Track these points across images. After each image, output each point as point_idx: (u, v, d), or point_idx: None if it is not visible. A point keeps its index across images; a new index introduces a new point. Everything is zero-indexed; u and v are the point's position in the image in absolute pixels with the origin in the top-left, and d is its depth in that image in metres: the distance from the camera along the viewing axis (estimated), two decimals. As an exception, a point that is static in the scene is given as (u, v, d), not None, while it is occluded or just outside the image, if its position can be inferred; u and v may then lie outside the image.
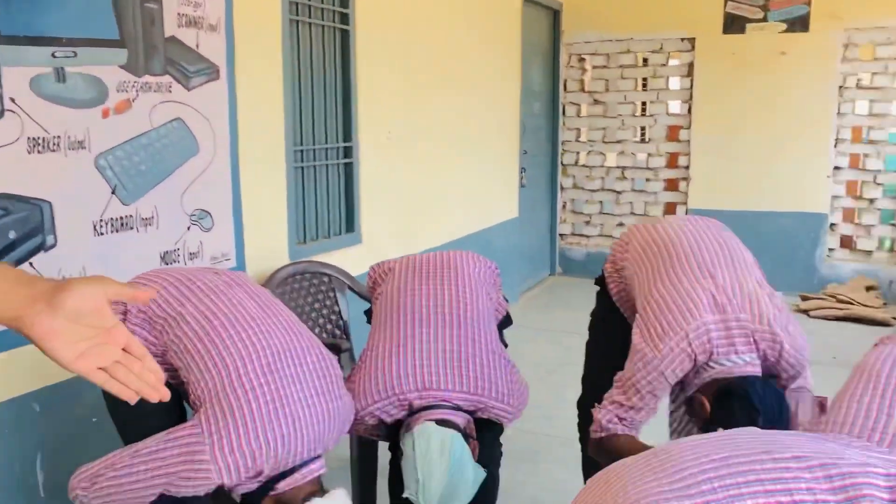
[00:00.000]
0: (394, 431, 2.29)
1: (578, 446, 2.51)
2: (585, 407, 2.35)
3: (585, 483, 1.61)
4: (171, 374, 1.94)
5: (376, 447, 2.73)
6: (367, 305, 2.92)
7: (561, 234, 7.15)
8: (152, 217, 2.66)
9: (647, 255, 2.16)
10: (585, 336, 2.54)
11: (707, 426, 1.89)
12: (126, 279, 2.02)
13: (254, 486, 1.86)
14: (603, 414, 2.00)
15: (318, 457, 1.93)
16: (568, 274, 7.04)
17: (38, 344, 0.93)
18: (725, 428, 1.64)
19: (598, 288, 2.50)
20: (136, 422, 1.93)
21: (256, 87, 3.14)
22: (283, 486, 1.85)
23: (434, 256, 2.54)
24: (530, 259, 6.57)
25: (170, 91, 2.70)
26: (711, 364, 1.94)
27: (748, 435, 1.32)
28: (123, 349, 0.98)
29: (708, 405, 1.89)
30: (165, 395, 1.01)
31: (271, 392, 1.83)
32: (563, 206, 7.15)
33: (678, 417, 2.24)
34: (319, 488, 1.90)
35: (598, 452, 2.03)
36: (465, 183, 5.20)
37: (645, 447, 1.87)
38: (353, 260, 3.74)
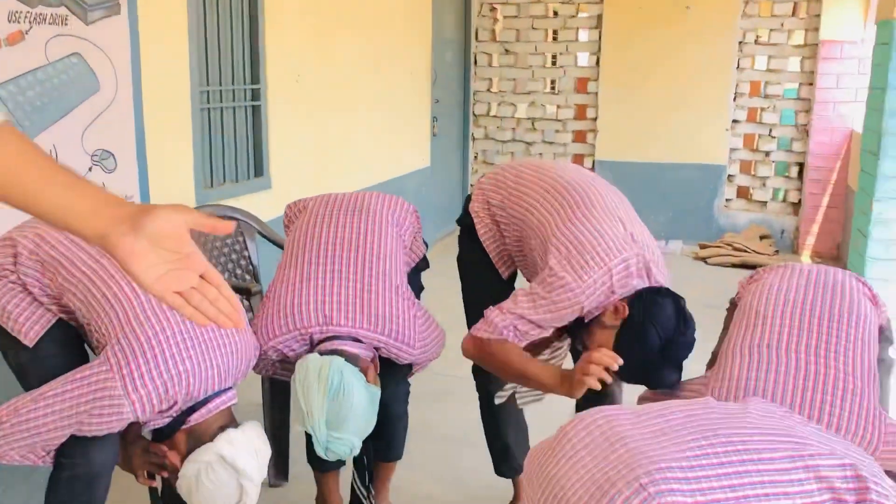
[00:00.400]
0: None
1: None
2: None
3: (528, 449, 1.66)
4: (70, 317, 1.90)
5: (288, 389, 2.74)
6: (277, 251, 2.92)
7: (472, 185, 7.22)
8: (51, 156, 2.55)
9: (552, 196, 2.20)
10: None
11: (624, 333, 1.96)
12: (15, 224, 1.95)
13: (166, 420, 1.86)
14: (501, 319, 2.03)
15: (229, 388, 1.93)
16: (478, 224, 7.11)
17: (120, 263, 0.96)
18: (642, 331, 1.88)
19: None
20: (35, 365, 1.88)
21: (160, 23, 3.03)
22: (195, 417, 1.85)
23: (349, 196, 2.53)
24: (442, 209, 6.61)
25: (66, 24, 2.58)
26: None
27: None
28: (201, 276, 1.00)
29: (625, 310, 1.97)
30: (240, 323, 1.03)
31: (178, 324, 1.83)
32: (475, 157, 7.20)
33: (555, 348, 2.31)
34: (232, 420, 1.91)
35: (479, 352, 2.10)
36: (377, 130, 5.17)
37: (530, 361, 2.03)
38: (262, 205, 3.69)
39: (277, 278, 2.32)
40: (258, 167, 3.84)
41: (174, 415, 1.85)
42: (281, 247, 3.16)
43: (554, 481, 1.31)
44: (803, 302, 1.92)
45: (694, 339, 1.97)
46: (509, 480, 2.61)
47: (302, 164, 4.19)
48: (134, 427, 1.95)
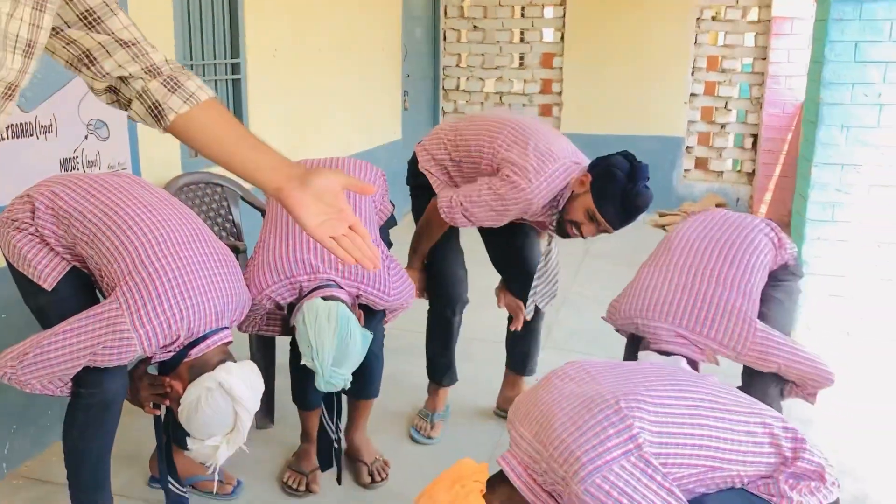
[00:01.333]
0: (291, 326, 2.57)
1: None
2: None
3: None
4: (82, 264, 2.13)
5: (273, 345, 2.99)
6: (258, 215, 3.17)
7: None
8: (51, 125, 2.76)
9: (497, 130, 2.69)
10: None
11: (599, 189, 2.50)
12: (29, 185, 2.18)
13: (169, 354, 2.10)
14: (449, 201, 2.66)
15: (226, 328, 2.18)
16: (449, 195, 7.36)
17: (290, 211, 1.26)
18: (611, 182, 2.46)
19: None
20: (53, 306, 2.11)
21: (148, 1, 3.23)
22: (196, 351, 2.10)
23: (324, 161, 2.78)
24: (413, 180, 6.85)
25: (62, 2, 2.77)
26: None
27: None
28: (350, 227, 1.29)
29: (587, 177, 2.52)
30: (378, 265, 1.32)
31: (179, 269, 2.06)
32: (444, 131, 7.42)
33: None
34: (229, 356, 2.16)
35: (434, 215, 2.73)
36: (351, 103, 5.39)
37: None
38: (243, 174, 3.90)
39: (263, 236, 2.57)
40: None
41: (177, 349, 2.10)
42: (261, 210, 3.41)
43: (545, 407, 1.59)
44: (706, 235, 2.35)
45: (647, 165, 2.52)
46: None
47: (280, 135, 4.41)
48: (140, 364, 2.19)
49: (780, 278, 2.37)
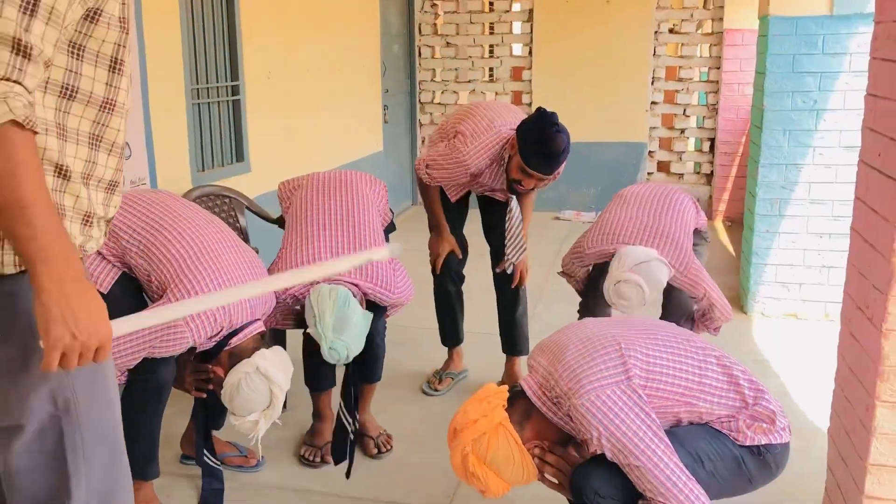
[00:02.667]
0: (303, 319, 2.95)
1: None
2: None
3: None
4: (131, 271, 2.48)
5: (285, 338, 3.35)
6: (261, 223, 3.57)
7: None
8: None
9: (470, 110, 3.38)
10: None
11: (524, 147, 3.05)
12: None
13: (212, 344, 2.46)
14: (419, 163, 3.36)
15: (258, 319, 2.55)
16: (427, 202, 7.75)
17: None
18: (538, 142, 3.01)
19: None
20: (109, 308, 2.45)
21: (159, 33, 3.60)
22: (235, 341, 2.47)
23: (335, 175, 3.18)
24: (393, 190, 7.22)
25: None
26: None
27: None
28: None
29: (514, 138, 3.10)
30: None
31: (218, 270, 2.43)
32: (423, 141, 7.83)
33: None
34: (263, 343, 2.52)
35: (418, 180, 3.41)
36: (337, 119, 5.77)
37: (435, 201, 3.43)
38: (243, 186, 4.27)
39: (285, 244, 2.95)
40: (239, 153, 4.42)
41: (218, 339, 2.46)
42: (265, 219, 3.79)
43: (560, 343, 2.01)
44: (651, 193, 3.07)
45: (554, 112, 3.06)
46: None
47: (275, 150, 4.78)
48: (185, 354, 2.55)
49: (695, 241, 3.11)
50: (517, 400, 1.99)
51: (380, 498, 2.77)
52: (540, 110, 3.09)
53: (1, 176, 1.14)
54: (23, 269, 1.27)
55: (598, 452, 1.87)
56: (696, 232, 3.13)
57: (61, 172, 1.30)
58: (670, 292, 3.01)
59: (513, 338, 3.64)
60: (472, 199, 3.61)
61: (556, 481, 1.99)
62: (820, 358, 3.83)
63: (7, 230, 1.19)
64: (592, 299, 3.10)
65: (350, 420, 2.93)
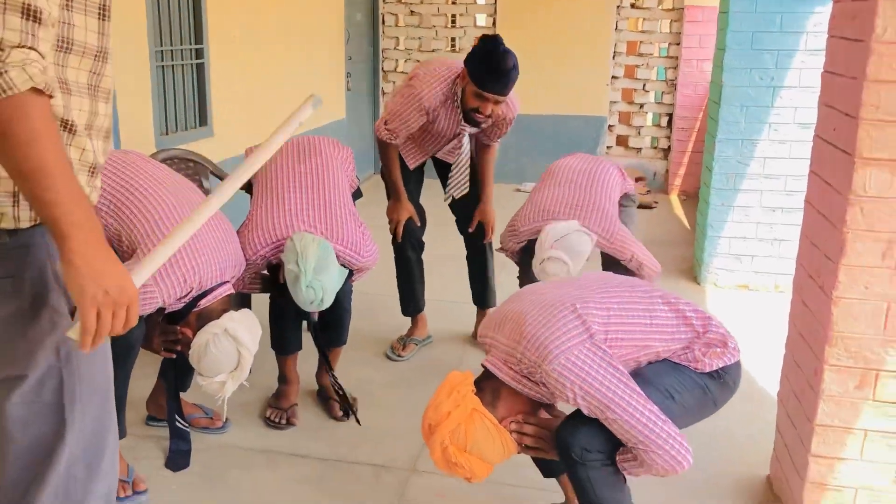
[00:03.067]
0: (270, 283, 2.98)
1: None
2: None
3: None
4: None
5: (250, 302, 3.36)
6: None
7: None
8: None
9: (420, 64, 3.53)
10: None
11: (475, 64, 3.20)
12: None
13: (180, 305, 2.47)
14: (377, 124, 3.51)
15: (227, 282, 2.57)
16: (389, 172, 7.75)
17: None
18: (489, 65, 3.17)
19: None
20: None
21: (123, -8, 3.54)
22: (203, 303, 2.48)
23: (303, 140, 3.18)
24: (356, 157, 7.19)
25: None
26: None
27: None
28: None
29: (465, 70, 3.25)
30: None
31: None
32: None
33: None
34: (232, 305, 2.55)
35: (378, 142, 3.54)
36: (300, 85, 5.73)
37: (394, 164, 3.56)
38: (206, 150, 4.24)
39: (253, 207, 2.96)
40: (203, 117, 4.39)
41: (187, 301, 2.47)
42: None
43: (514, 316, 2.04)
44: (577, 167, 3.24)
45: (497, 35, 3.23)
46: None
47: (238, 115, 4.74)
48: (154, 315, 2.56)
49: (624, 202, 3.34)
50: (484, 381, 2.04)
51: (345, 458, 2.82)
52: (483, 36, 3.25)
53: (24, 144, 1.14)
54: (36, 222, 1.29)
55: (574, 408, 1.95)
56: (626, 196, 3.36)
57: (67, 127, 1.31)
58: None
59: (483, 291, 3.80)
60: (430, 172, 3.74)
61: (539, 447, 2.06)
62: (770, 328, 3.97)
63: (32, 197, 1.19)
64: (528, 275, 3.18)
65: (339, 385, 3.05)
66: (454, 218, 3.81)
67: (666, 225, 6.21)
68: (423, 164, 3.69)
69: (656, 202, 6.80)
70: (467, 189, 3.62)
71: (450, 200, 3.67)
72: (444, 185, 3.71)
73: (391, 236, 3.63)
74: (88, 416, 1.43)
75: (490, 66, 3.17)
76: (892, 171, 2.05)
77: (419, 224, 3.63)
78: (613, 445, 1.94)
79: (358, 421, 3.02)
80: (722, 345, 2.04)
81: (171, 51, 4.06)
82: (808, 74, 4.31)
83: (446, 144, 3.57)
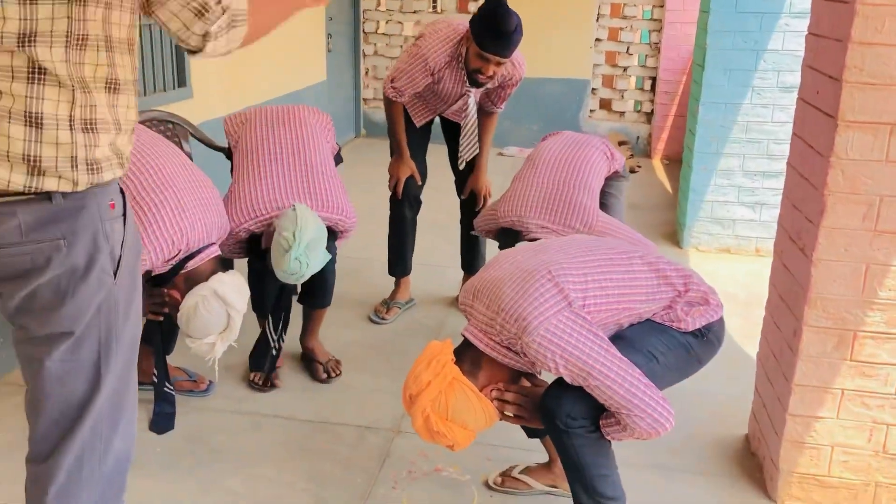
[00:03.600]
0: (250, 248, 2.98)
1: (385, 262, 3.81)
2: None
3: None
4: None
5: (232, 265, 3.35)
6: (205, 149, 3.56)
7: (364, 99, 7.77)
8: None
9: (426, 25, 3.56)
10: (386, 188, 3.65)
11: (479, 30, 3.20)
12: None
13: (167, 268, 2.46)
14: (384, 82, 3.52)
15: (214, 243, 2.55)
16: (371, 136, 7.72)
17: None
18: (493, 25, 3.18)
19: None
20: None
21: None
22: (191, 265, 2.47)
23: (282, 109, 3.15)
24: (338, 120, 7.15)
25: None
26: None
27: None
28: None
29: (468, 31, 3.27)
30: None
31: (175, 193, 2.43)
32: (366, 73, 7.73)
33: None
34: (220, 267, 2.53)
35: (385, 101, 3.56)
36: (280, 45, 5.64)
37: (399, 124, 3.56)
38: (184, 112, 4.17)
39: (236, 178, 2.95)
40: (181, 79, 4.31)
41: (174, 263, 2.46)
42: (209, 146, 3.75)
43: (491, 285, 2.02)
44: (558, 155, 3.14)
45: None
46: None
47: (218, 77, 4.67)
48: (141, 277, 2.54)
49: (614, 180, 3.29)
50: (464, 351, 2.03)
51: (329, 419, 2.84)
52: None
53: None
54: (92, 184, 1.37)
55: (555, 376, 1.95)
56: (615, 174, 3.28)
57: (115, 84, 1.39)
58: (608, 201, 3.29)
59: (472, 258, 3.83)
60: (437, 132, 3.72)
61: (521, 415, 2.07)
62: (750, 291, 4.02)
63: None
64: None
65: (274, 339, 3.02)
66: (451, 183, 3.82)
67: (649, 189, 6.23)
68: (430, 122, 3.71)
69: (639, 166, 6.81)
70: (478, 150, 3.65)
71: (463, 166, 3.67)
72: (450, 150, 3.73)
73: (390, 193, 3.65)
74: (117, 370, 1.49)
75: (492, 27, 3.17)
76: (874, 134, 2.06)
77: (420, 183, 3.65)
78: (597, 412, 1.95)
79: (266, 382, 3.03)
80: (704, 302, 2.06)
81: (149, 10, 3.98)
82: (792, 38, 4.31)
83: (452, 104, 3.57)
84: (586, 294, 1.94)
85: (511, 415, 2.07)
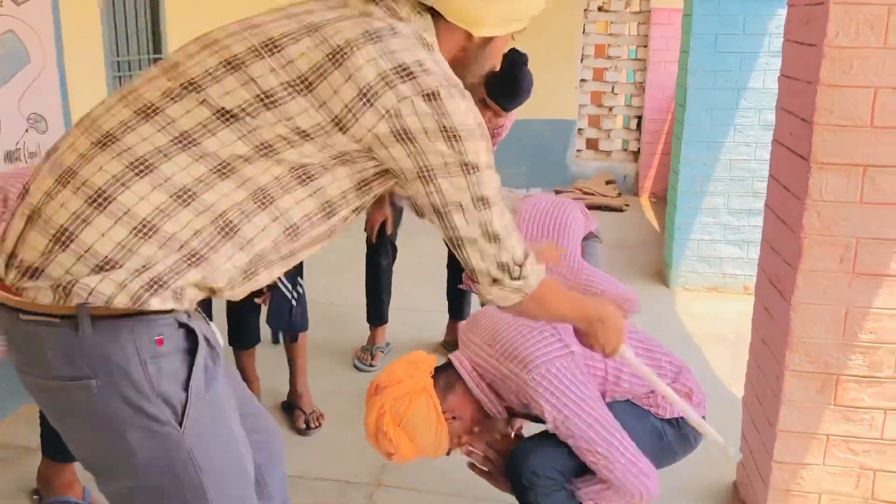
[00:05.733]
0: None
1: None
2: None
3: None
4: None
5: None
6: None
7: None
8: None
9: None
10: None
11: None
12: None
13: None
14: None
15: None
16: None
17: None
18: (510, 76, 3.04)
19: None
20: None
21: (77, 3, 3.46)
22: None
23: None
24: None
25: (1, 5, 3.00)
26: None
27: None
28: None
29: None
30: None
31: None
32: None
33: None
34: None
35: None
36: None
37: None
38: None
39: None
40: (157, 48, 4.31)
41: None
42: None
43: (497, 322, 2.00)
44: (540, 207, 3.06)
45: (525, 54, 3.10)
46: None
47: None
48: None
49: (590, 240, 3.23)
50: (443, 371, 2.01)
51: (307, 474, 2.77)
52: (512, 48, 3.05)
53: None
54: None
55: (528, 433, 1.92)
56: (591, 235, 3.26)
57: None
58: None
59: (460, 303, 3.78)
60: None
61: (488, 469, 2.04)
62: (739, 330, 3.97)
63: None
64: None
65: (290, 287, 2.94)
66: (428, 227, 3.78)
67: (636, 228, 6.22)
68: None
69: (627, 205, 6.81)
70: None
71: None
72: None
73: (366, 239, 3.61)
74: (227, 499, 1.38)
75: (507, 80, 3.05)
76: (846, 176, 2.04)
77: (391, 230, 3.59)
78: (565, 471, 1.91)
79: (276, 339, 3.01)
80: (687, 396, 2.04)
81: (129, 61, 3.99)
82: (772, 76, 4.31)
83: None
84: (585, 352, 1.92)
85: (479, 465, 2.04)
